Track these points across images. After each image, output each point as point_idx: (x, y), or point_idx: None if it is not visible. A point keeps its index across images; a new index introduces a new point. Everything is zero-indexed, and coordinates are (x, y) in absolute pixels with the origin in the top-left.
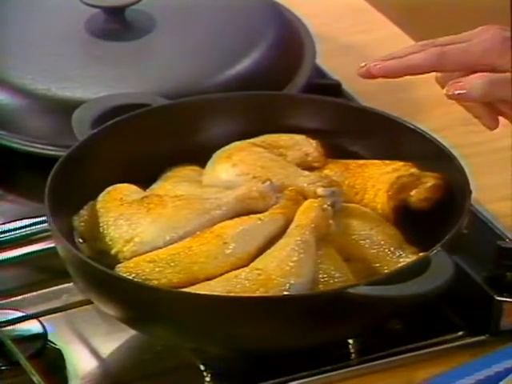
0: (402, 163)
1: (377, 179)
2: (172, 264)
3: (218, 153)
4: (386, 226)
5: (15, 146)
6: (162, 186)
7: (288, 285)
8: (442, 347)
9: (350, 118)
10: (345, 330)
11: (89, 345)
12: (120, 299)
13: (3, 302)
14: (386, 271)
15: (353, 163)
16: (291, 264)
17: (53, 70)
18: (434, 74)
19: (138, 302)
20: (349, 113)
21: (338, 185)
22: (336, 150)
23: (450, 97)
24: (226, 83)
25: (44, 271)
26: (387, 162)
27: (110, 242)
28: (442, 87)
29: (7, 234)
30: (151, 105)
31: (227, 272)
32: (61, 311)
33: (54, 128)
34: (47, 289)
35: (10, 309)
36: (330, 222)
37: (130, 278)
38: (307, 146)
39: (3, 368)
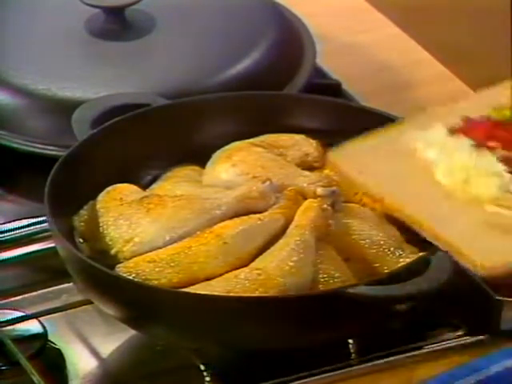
0: None
1: None
2: (172, 264)
3: (218, 153)
4: (386, 226)
5: (15, 145)
6: (161, 186)
7: (288, 285)
8: (442, 347)
9: (350, 117)
10: (345, 329)
11: (89, 345)
12: (120, 299)
13: (3, 301)
14: (386, 271)
15: None
16: (291, 264)
17: (53, 70)
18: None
19: (138, 302)
20: (349, 113)
21: (337, 185)
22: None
23: None
24: (226, 83)
25: (44, 271)
26: None
27: (109, 242)
28: None
29: (7, 233)
30: (151, 105)
31: (227, 272)
32: (61, 311)
33: (54, 128)
34: (47, 289)
35: (10, 309)
36: (330, 221)
37: (130, 278)
38: (307, 146)
39: (3, 368)
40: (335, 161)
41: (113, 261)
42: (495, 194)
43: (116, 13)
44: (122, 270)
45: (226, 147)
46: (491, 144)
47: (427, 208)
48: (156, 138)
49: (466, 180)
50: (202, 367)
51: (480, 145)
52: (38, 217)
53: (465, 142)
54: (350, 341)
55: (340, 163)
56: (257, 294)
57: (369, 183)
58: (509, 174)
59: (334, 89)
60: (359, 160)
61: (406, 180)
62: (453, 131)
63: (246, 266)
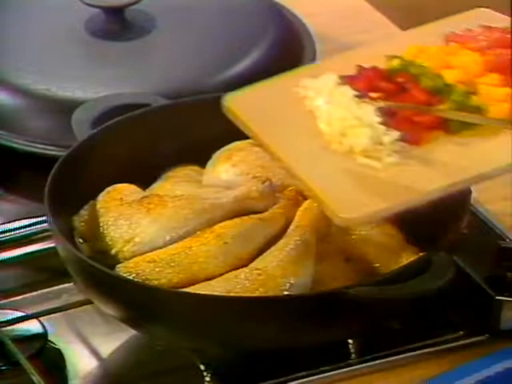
0: None
1: None
2: (172, 264)
3: (218, 153)
4: (386, 225)
5: (15, 146)
6: (161, 186)
7: (288, 285)
8: (442, 347)
9: None
10: (345, 329)
11: (89, 345)
12: (120, 299)
13: (3, 301)
14: (385, 271)
15: None
16: (291, 264)
17: (53, 70)
18: None
19: (138, 302)
20: None
21: None
22: None
23: None
24: (226, 83)
25: (44, 271)
26: None
27: (109, 242)
28: None
29: (7, 233)
30: (151, 105)
31: (227, 272)
32: (61, 311)
33: (54, 128)
34: (47, 289)
35: (10, 309)
36: (330, 222)
37: (130, 278)
38: None
39: (3, 368)
40: (229, 105)
41: (113, 261)
42: (366, 146)
43: (116, 13)
44: (121, 270)
45: (226, 147)
46: (373, 95)
47: (302, 157)
48: (156, 138)
49: (342, 131)
50: (202, 367)
51: (363, 95)
52: (38, 217)
53: (348, 92)
54: (350, 341)
55: (233, 107)
56: (257, 294)
57: (256, 128)
58: (382, 126)
59: None
60: (252, 105)
61: (290, 127)
62: (343, 80)
63: (246, 266)
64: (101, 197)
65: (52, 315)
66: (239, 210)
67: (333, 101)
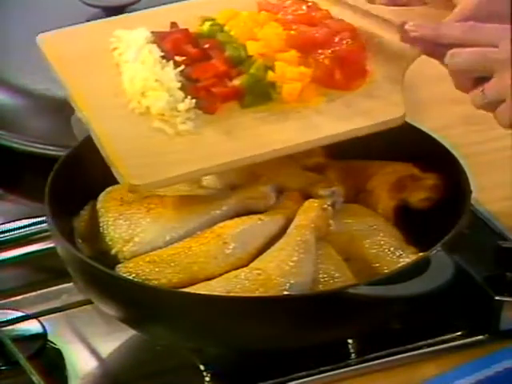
0: (402, 163)
1: (377, 179)
2: (172, 264)
3: None
4: (386, 225)
5: (15, 145)
6: None
7: (288, 285)
8: (442, 347)
9: None
10: (345, 329)
11: (89, 345)
12: (120, 299)
13: (3, 301)
14: (386, 271)
15: (353, 163)
16: (291, 264)
17: None
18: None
19: (137, 302)
20: None
21: (338, 185)
22: (336, 150)
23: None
24: None
25: (44, 271)
26: (388, 162)
27: (109, 242)
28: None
29: (7, 233)
30: None
31: (227, 272)
32: (61, 311)
33: (54, 128)
34: (47, 289)
35: (10, 309)
36: (330, 221)
37: (130, 278)
38: None
39: (3, 368)
40: (42, 45)
41: (113, 261)
42: (162, 110)
43: (116, 13)
44: (121, 270)
45: None
46: (178, 58)
47: (101, 114)
48: None
49: (143, 91)
50: (202, 367)
51: (169, 57)
52: (38, 217)
53: (155, 52)
54: (350, 341)
55: (46, 49)
56: (257, 294)
57: (64, 74)
58: (180, 92)
59: None
60: (64, 49)
61: (95, 80)
62: (154, 37)
63: (246, 266)
64: (101, 197)
65: (52, 315)
66: (239, 210)
67: (139, 58)
